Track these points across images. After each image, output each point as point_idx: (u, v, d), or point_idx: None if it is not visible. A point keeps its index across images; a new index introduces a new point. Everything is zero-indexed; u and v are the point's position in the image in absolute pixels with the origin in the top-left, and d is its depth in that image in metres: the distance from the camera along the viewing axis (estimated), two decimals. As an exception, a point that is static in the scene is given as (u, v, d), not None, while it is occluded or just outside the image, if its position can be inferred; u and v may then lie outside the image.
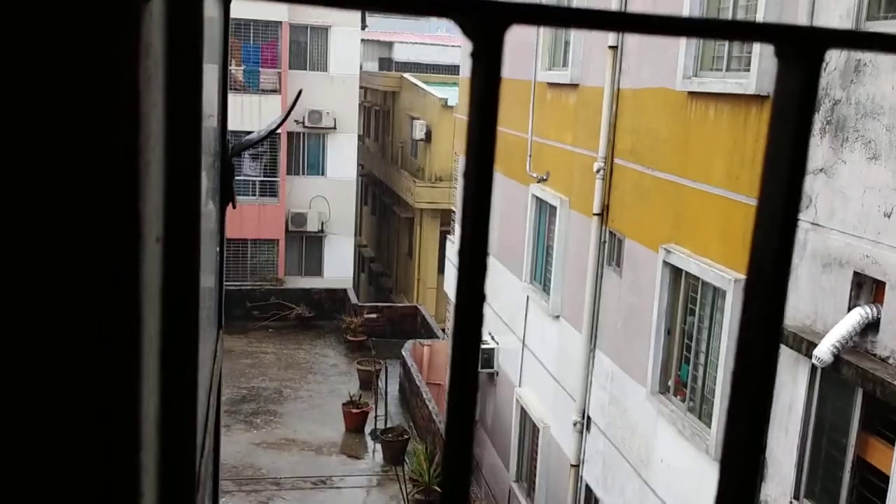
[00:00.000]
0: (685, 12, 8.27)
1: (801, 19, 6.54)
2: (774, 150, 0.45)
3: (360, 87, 27.60)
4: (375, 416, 17.07)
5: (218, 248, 1.54)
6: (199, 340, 0.68)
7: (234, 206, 1.57)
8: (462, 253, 0.43)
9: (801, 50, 0.44)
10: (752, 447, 0.47)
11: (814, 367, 6.17)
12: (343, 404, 17.36)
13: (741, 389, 0.48)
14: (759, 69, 7.06)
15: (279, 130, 24.55)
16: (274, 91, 24.63)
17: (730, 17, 7.80)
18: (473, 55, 0.42)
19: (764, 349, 0.46)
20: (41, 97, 0.40)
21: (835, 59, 6.23)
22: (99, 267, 0.43)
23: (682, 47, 8.30)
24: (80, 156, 0.42)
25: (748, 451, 0.46)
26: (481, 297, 0.44)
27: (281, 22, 24.55)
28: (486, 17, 0.40)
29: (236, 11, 26.65)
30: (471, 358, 0.45)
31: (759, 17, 7.06)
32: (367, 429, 17.22)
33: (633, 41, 9.61)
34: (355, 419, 17.14)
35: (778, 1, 6.91)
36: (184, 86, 0.59)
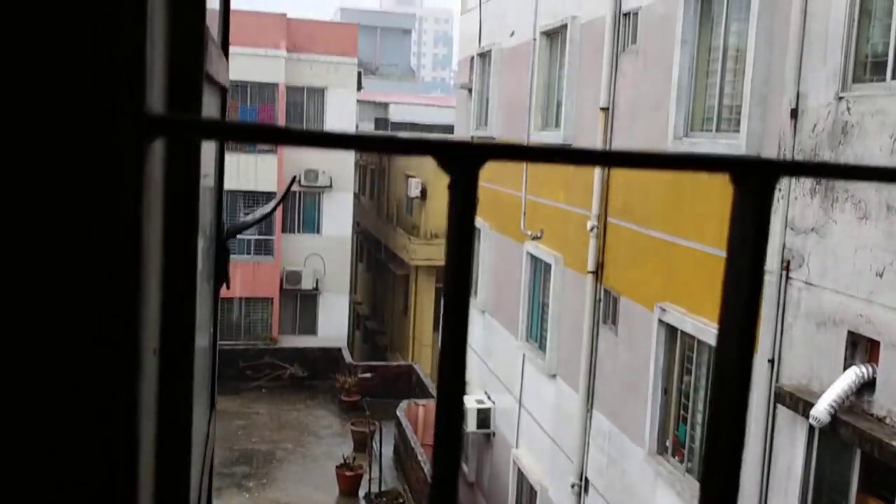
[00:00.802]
0: (674, 82, 8.45)
1: (789, 83, 6.68)
2: (732, 274, 0.48)
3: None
4: (370, 479, 16.80)
5: (212, 330, 1.57)
6: (191, 455, 0.70)
7: (227, 288, 1.60)
8: (441, 373, 0.46)
9: (755, 179, 0.47)
10: (730, 491, 0.48)
11: (811, 428, 6.13)
12: (337, 467, 17.10)
13: (716, 439, 0.50)
14: (748, 130, 7.19)
15: (275, 191, 24.72)
16: (271, 151, 24.89)
17: (717, 82, 7.97)
18: (450, 187, 0.45)
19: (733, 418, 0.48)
20: (49, 234, 0.43)
21: (822, 119, 6.35)
22: (95, 390, 0.45)
23: (673, 107, 8.46)
24: (80, 284, 0.44)
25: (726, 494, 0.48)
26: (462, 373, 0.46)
27: (278, 84, 24.96)
28: (462, 156, 0.44)
29: (234, 73, 26.90)
30: (456, 411, 0.47)
31: (748, 81, 7.22)
32: (362, 492, 16.93)
33: (624, 101, 9.79)
34: (349, 482, 16.86)
35: (765, 66, 7.08)
36: (181, 210, 0.62)
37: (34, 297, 0.46)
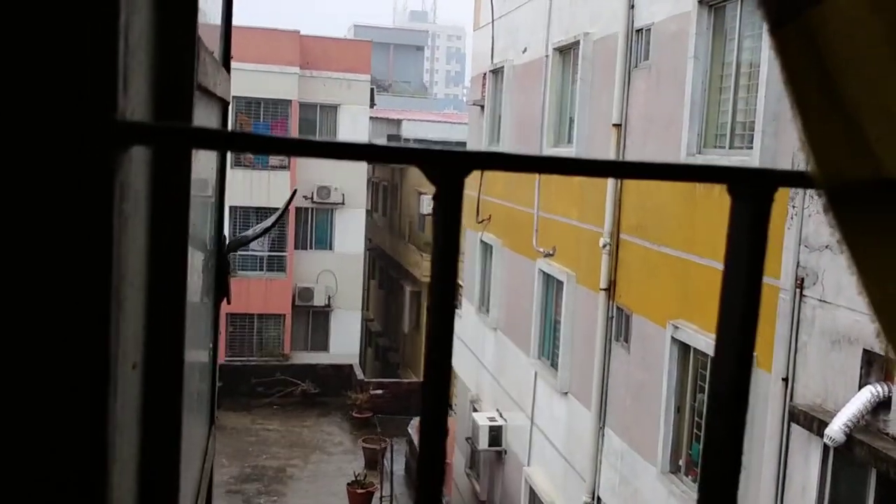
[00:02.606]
0: (687, 98, 8.43)
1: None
2: (729, 283, 0.46)
3: (369, 163, 27.97)
4: (381, 497, 16.71)
5: (211, 345, 1.55)
6: (180, 467, 0.68)
7: (228, 302, 1.59)
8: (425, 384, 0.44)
9: (752, 189, 0.45)
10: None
11: (826, 447, 6.05)
12: (348, 484, 17.03)
13: (713, 450, 0.48)
14: (762, 146, 7.15)
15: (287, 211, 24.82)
16: (283, 167, 25.01)
17: (731, 98, 7.95)
18: (435, 198, 0.44)
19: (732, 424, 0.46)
20: (12, 243, 0.42)
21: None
22: (66, 406, 0.44)
23: (686, 124, 8.44)
24: (50, 293, 0.43)
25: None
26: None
27: (291, 101, 25.12)
28: (447, 165, 0.43)
29: (247, 90, 27.09)
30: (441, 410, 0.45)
31: (761, 97, 7.18)
32: (373, 509, 16.85)
33: (636, 117, 9.78)
34: (360, 500, 16.78)
35: (778, 81, 7.05)
36: (170, 221, 0.61)
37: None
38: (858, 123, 0.43)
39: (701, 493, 0.48)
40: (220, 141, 0.42)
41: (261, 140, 0.44)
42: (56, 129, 0.41)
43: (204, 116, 1.10)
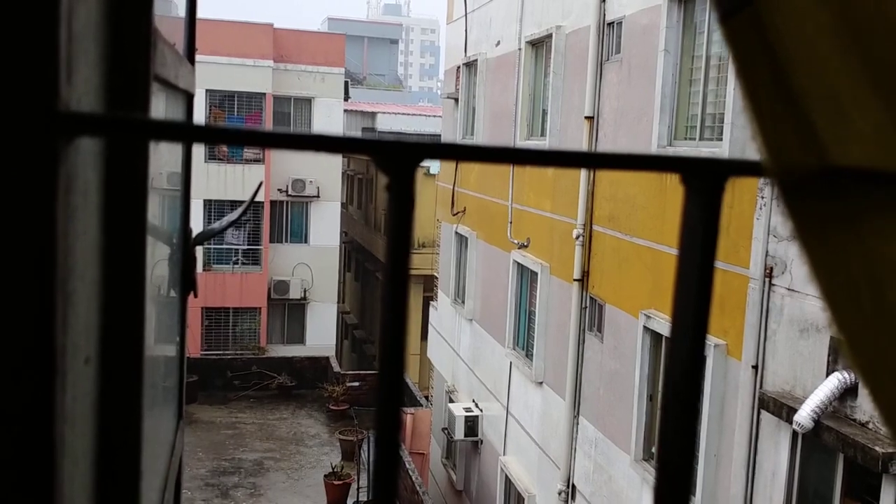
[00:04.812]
0: (657, 91, 8.49)
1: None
2: (682, 271, 0.47)
3: (344, 156, 27.92)
4: (358, 488, 16.72)
5: (178, 338, 1.54)
6: (140, 461, 0.67)
7: (195, 296, 1.58)
8: (380, 380, 0.44)
9: (704, 179, 0.46)
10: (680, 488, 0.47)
11: (795, 433, 6.15)
12: (325, 476, 17.01)
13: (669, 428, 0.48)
14: (731, 137, 7.22)
15: (262, 200, 24.67)
16: (257, 161, 24.84)
17: (701, 90, 8.01)
18: (388, 188, 0.44)
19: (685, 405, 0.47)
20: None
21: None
22: (11, 403, 0.44)
23: (657, 116, 8.50)
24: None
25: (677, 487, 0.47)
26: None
27: (265, 93, 24.93)
28: (397, 155, 0.43)
29: (221, 83, 26.86)
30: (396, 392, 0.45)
31: (730, 90, 7.26)
32: (350, 501, 16.85)
33: (609, 110, 9.83)
34: (337, 491, 16.77)
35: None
36: (126, 214, 0.60)
37: None
38: (806, 113, 0.43)
39: (658, 476, 0.49)
40: (171, 132, 0.42)
41: (212, 131, 0.43)
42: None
43: (165, 109, 1.09)
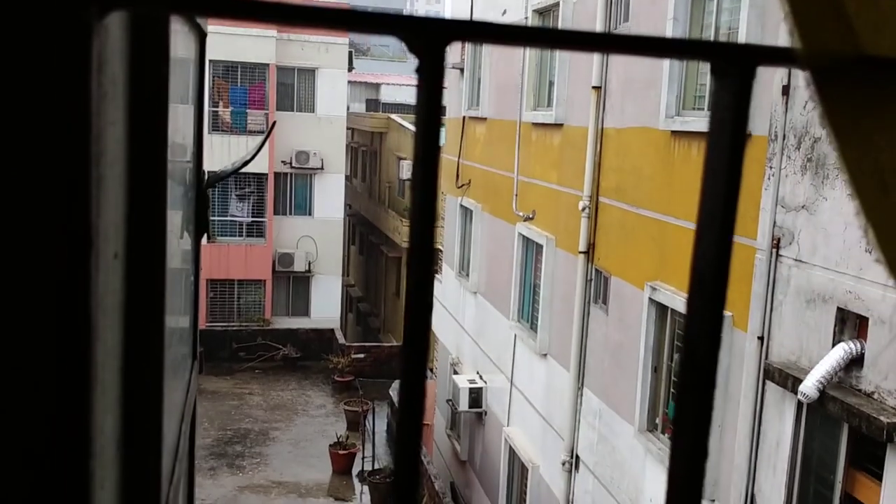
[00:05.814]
0: (666, 60, 8.40)
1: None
2: (712, 163, 0.46)
3: (348, 128, 27.81)
4: (363, 458, 16.87)
5: (192, 278, 1.54)
6: (164, 359, 0.68)
7: (209, 239, 1.58)
8: (411, 252, 0.44)
9: (734, 66, 0.46)
10: (698, 455, 0.47)
11: (800, 404, 6.17)
12: (330, 445, 17.16)
13: (686, 400, 0.49)
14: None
15: (266, 172, 24.64)
16: (261, 132, 24.75)
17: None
18: (418, 70, 0.44)
19: (706, 357, 0.47)
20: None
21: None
22: (48, 278, 0.44)
23: (665, 87, 8.43)
24: (27, 170, 0.43)
25: (694, 458, 0.47)
26: (429, 304, 0.45)
27: (268, 64, 24.79)
28: (429, 34, 0.42)
29: (224, 54, 26.71)
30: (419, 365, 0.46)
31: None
32: (355, 470, 17.01)
33: (616, 80, 9.75)
34: (343, 461, 16.93)
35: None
36: (148, 104, 0.60)
37: None
38: (841, 0, 0.43)
39: (674, 443, 0.49)
40: (197, 4, 0.42)
41: (237, 4, 0.43)
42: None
43: (181, 46, 1.08)
